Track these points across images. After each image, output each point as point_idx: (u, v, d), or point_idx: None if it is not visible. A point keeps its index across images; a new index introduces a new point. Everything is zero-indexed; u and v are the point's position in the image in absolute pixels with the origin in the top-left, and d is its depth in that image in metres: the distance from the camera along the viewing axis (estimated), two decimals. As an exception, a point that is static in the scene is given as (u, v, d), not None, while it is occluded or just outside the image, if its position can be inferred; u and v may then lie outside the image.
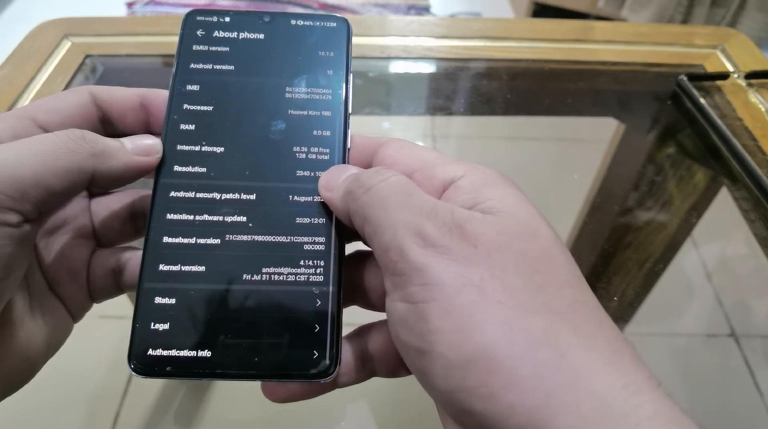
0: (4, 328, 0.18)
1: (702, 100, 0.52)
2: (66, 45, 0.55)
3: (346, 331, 0.22)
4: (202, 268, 0.20)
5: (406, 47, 0.58)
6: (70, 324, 0.22)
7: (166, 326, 0.20)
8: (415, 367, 0.18)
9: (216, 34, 0.24)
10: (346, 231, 0.22)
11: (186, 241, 0.21)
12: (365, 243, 0.23)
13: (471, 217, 0.18)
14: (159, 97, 0.23)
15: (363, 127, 0.52)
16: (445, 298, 0.16)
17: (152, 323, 0.20)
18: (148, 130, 0.23)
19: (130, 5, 1.74)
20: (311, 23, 0.24)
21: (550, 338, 0.16)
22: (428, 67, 0.57)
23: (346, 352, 0.21)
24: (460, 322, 0.16)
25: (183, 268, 0.20)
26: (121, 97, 0.22)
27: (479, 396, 0.15)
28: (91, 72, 0.54)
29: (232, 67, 0.23)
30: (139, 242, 0.22)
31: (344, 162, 0.22)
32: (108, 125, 0.22)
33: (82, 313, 0.22)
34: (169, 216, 0.21)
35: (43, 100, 0.21)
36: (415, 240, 0.17)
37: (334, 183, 0.21)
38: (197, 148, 0.22)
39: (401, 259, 0.17)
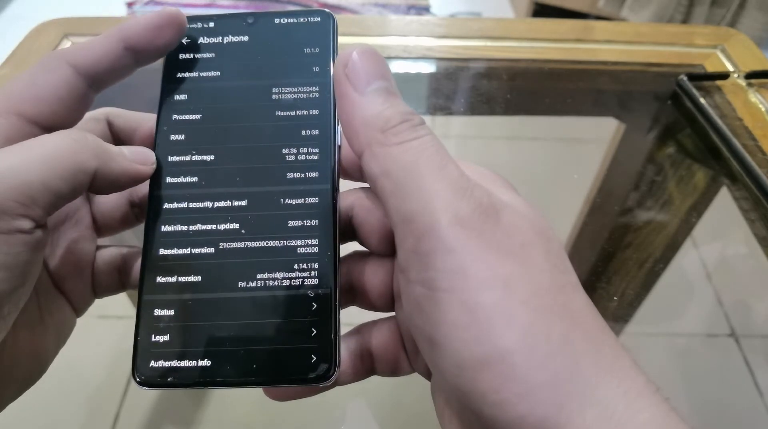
0: (16, 332, 0.19)
1: (702, 100, 0.52)
2: (66, 45, 0.55)
3: (345, 330, 0.22)
4: (198, 278, 0.20)
5: (406, 47, 0.58)
6: (74, 319, 0.22)
7: (167, 338, 0.20)
8: (426, 355, 0.17)
9: (201, 40, 0.24)
10: (341, 231, 0.22)
11: (182, 251, 0.21)
12: (359, 240, 0.23)
13: (507, 205, 0.17)
14: (123, 116, 0.23)
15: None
16: (467, 290, 0.15)
17: (153, 336, 0.20)
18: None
19: (130, 5, 1.74)
20: (295, 20, 0.24)
21: (567, 345, 0.15)
22: (428, 67, 0.57)
23: (346, 351, 0.21)
24: (479, 320, 0.15)
25: (180, 279, 0.20)
26: (99, 53, 0.20)
27: (490, 402, 0.15)
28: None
29: (219, 73, 0.23)
30: (138, 232, 0.22)
31: (334, 161, 0.22)
32: (96, 84, 0.20)
33: (86, 307, 0.22)
34: (164, 228, 0.21)
35: (21, 88, 0.19)
36: (449, 217, 0.16)
37: (362, 87, 0.18)
38: (188, 158, 0.22)
39: (429, 235, 0.16)
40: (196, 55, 0.23)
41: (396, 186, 0.17)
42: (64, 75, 0.19)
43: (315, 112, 0.23)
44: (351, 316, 0.22)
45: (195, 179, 0.22)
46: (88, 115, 0.22)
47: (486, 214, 0.16)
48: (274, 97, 0.23)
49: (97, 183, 0.19)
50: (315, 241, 0.21)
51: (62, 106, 0.19)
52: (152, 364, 0.19)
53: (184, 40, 0.24)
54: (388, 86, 0.19)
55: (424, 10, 1.79)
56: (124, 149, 0.20)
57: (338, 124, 0.23)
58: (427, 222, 0.16)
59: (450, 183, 0.17)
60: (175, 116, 0.22)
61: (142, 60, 0.21)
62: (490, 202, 0.17)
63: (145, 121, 0.23)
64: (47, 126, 0.19)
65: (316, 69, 0.23)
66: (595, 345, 0.16)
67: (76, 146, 0.18)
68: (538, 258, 0.16)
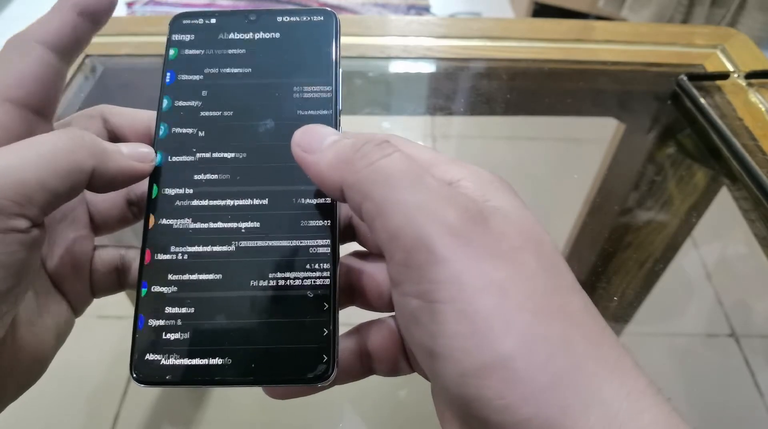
0: (15, 332, 0.19)
1: (702, 100, 0.52)
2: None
3: (345, 329, 0.22)
4: (197, 277, 0.20)
5: (406, 47, 0.58)
6: (73, 318, 0.22)
7: (164, 336, 0.20)
8: (426, 366, 0.17)
9: (203, 36, 0.23)
10: (341, 232, 0.21)
11: (183, 249, 0.21)
12: (359, 240, 0.23)
13: (495, 211, 0.17)
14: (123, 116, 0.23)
15: (363, 127, 0.52)
16: (464, 300, 0.15)
17: (152, 333, 0.20)
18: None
19: (130, 5, 1.74)
20: (297, 19, 0.24)
21: (567, 346, 0.15)
22: (428, 67, 0.57)
23: (345, 350, 0.21)
24: (479, 328, 0.15)
25: (180, 276, 0.20)
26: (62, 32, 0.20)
27: (495, 407, 0.15)
28: (90, 72, 0.54)
29: (220, 70, 0.23)
30: (138, 233, 0.22)
31: None
32: (66, 55, 0.20)
33: (84, 307, 0.22)
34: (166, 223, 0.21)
35: (2, 76, 0.19)
36: (436, 228, 0.16)
37: (316, 145, 0.19)
38: (188, 156, 0.22)
39: (418, 248, 0.16)
40: (197, 51, 0.23)
41: (378, 206, 0.17)
42: (39, 54, 0.19)
43: (317, 112, 0.22)
44: (351, 316, 0.22)
45: (195, 177, 0.22)
46: (83, 112, 0.22)
47: (474, 221, 0.16)
48: (276, 95, 0.23)
49: (95, 181, 0.19)
50: (315, 242, 0.21)
51: (42, 84, 0.19)
52: (150, 362, 0.19)
53: (185, 37, 0.23)
54: (341, 135, 0.19)
55: (424, 10, 1.79)
56: (122, 147, 0.20)
57: (340, 126, 0.23)
58: (415, 235, 0.16)
59: (431, 193, 0.17)
60: (175, 113, 0.22)
61: (97, 21, 0.21)
62: (476, 208, 0.17)
63: (143, 117, 0.23)
64: (35, 107, 0.19)
65: (319, 69, 0.23)
66: (595, 346, 0.16)
67: (72, 145, 0.18)
68: (531, 261, 0.16)
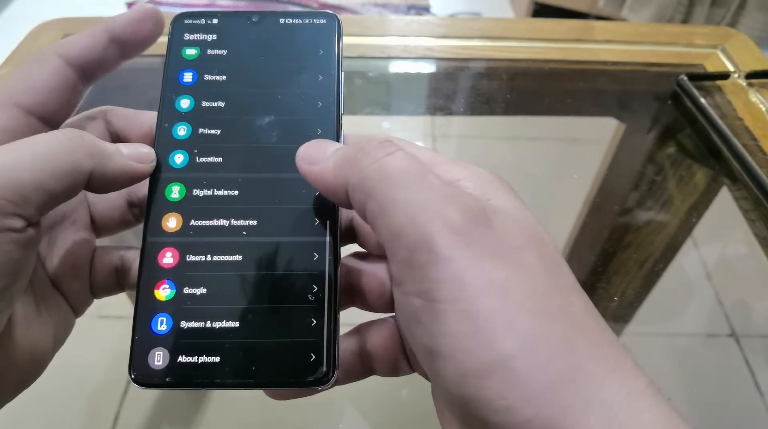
0: (12, 331, 0.19)
1: (702, 100, 0.52)
2: (66, 45, 0.55)
3: (345, 330, 0.22)
4: (199, 279, 0.20)
5: (406, 47, 0.58)
6: (73, 319, 0.22)
7: (165, 338, 0.19)
8: (426, 366, 0.17)
9: (204, 36, 0.23)
10: (342, 234, 0.21)
11: (183, 251, 0.20)
12: (359, 242, 0.23)
13: (497, 210, 0.17)
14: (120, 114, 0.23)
15: (363, 128, 0.52)
16: (465, 300, 0.15)
17: (151, 335, 0.19)
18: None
19: (129, 5, 1.74)
20: (300, 21, 0.24)
21: (568, 347, 0.15)
22: (428, 67, 0.57)
23: (345, 350, 0.21)
24: (480, 328, 0.15)
25: (180, 278, 0.20)
26: (86, 44, 0.21)
27: (495, 408, 0.15)
28: (91, 72, 0.54)
29: (221, 70, 0.23)
30: (138, 232, 0.22)
31: None
32: (86, 74, 0.21)
33: (84, 307, 0.22)
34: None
35: (16, 81, 0.20)
36: (438, 227, 0.16)
37: (320, 156, 0.19)
38: (188, 158, 0.22)
39: (421, 247, 0.16)
40: (199, 51, 0.23)
41: (380, 205, 0.17)
42: (55, 65, 0.20)
43: (318, 114, 0.22)
44: (351, 316, 0.22)
45: (196, 179, 0.22)
46: (85, 113, 0.22)
47: (476, 220, 0.16)
48: (277, 97, 0.23)
49: (94, 182, 0.19)
50: (316, 244, 0.21)
51: (54, 95, 0.20)
52: (149, 363, 0.19)
53: (186, 36, 0.23)
54: (342, 145, 0.20)
55: (424, 10, 1.79)
56: (122, 147, 0.20)
57: (342, 128, 0.23)
58: (418, 234, 0.16)
59: (434, 192, 0.17)
60: (176, 113, 0.22)
61: (126, 52, 0.21)
62: (479, 207, 0.17)
63: (145, 118, 0.23)
64: (42, 116, 0.20)
65: (321, 71, 0.23)
66: (596, 346, 0.16)
67: (70, 145, 0.18)
68: (532, 261, 0.16)
